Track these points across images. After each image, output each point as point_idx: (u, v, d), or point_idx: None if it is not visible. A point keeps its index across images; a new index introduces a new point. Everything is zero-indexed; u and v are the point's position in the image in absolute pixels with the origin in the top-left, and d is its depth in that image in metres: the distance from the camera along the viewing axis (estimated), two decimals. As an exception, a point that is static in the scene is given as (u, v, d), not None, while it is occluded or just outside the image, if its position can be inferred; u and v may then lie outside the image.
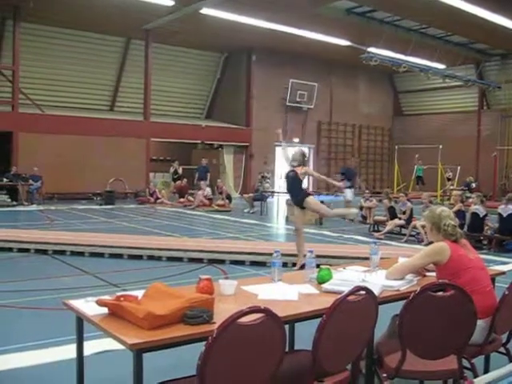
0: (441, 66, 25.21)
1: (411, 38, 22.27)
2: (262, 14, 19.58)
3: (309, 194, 8.60)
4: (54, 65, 23.33)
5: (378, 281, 3.53)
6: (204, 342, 2.35)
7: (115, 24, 21.97)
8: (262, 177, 20.19)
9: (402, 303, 3.07)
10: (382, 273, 3.79)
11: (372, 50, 22.23)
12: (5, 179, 18.97)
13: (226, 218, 16.33)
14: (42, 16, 21.00)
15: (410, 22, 21.74)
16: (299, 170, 8.24)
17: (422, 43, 22.70)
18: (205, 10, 19.29)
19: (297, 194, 8.42)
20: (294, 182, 8.32)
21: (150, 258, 9.05)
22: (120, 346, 2.50)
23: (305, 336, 3.36)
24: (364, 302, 2.85)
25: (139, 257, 9.07)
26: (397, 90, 33.30)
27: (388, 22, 21.53)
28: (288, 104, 27.99)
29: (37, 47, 22.58)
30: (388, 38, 21.14)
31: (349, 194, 16.59)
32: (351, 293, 2.76)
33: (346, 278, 3.52)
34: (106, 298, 2.87)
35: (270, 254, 8.18)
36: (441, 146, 24.05)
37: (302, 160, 8.33)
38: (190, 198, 20.69)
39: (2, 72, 21.79)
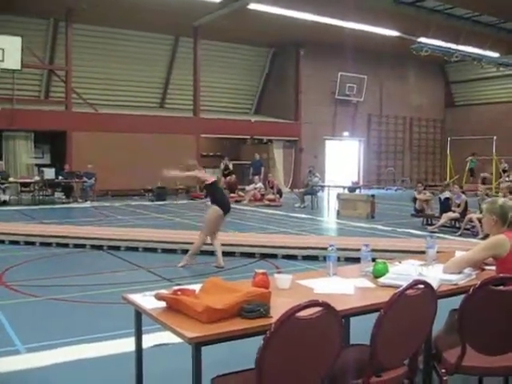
0: (494, 55, 24.52)
1: (463, 26, 21.76)
2: (310, 7, 19.45)
3: (218, 205, 8.10)
4: (106, 64, 23.78)
5: (435, 275, 3.46)
6: (260, 336, 2.36)
7: (164, 22, 22.21)
8: (310, 171, 20.13)
9: (459, 298, 3.01)
10: (438, 267, 3.71)
11: (422, 39, 21.81)
12: (60, 177, 19.45)
13: (277, 212, 16.34)
14: (93, 17, 21.44)
15: (461, 10, 21.23)
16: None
17: (474, 31, 22.14)
18: (252, 5, 19.31)
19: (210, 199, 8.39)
20: (206, 191, 8.38)
21: (203, 252, 9.12)
22: (176, 340, 2.53)
23: (358, 330, 3.33)
24: (423, 296, 2.80)
25: (192, 251, 9.15)
26: (448, 80, 32.59)
27: (438, 10, 21.09)
28: (337, 97, 27.79)
29: (88, 47, 23.04)
30: (438, 28, 20.73)
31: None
32: (410, 286, 2.72)
33: (402, 272, 3.46)
34: (164, 292, 2.91)
35: (323, 249, 8.26)
36: (495, 137, 23.43)
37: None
38: (241, 193, 20.78)
39: (56, 73, 22.35)
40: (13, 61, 19.33)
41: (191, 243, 9.33)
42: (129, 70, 24.41)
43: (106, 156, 20.71)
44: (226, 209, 8.11)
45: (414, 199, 13.99)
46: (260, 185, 19.92)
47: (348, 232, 12.21)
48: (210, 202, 8.33)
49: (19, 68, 19.78)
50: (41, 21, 22.03)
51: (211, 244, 8.36)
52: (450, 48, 22.55)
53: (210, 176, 8.32)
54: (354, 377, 2.77)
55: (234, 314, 2.60)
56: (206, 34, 23.83)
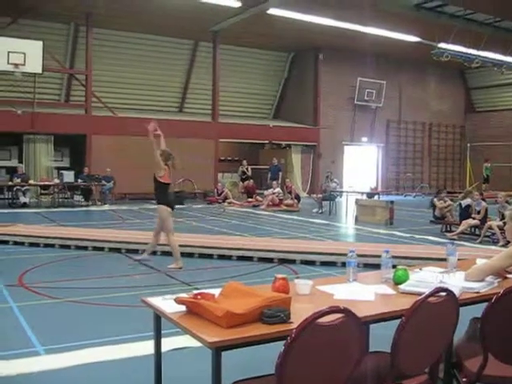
0: (515, 61, 24.31)
1: (484, 31, 21.56)
2: (329, 12, 19.44)
3: (167, 205, 8.27)
4: (125, 68, 23.94)
5: (456, 282, 3.42)
6: (279, 342, 2.34)
7: (183, 27, 22.33)
8: (327, 176, 20.11)
9: (479, 306, 2.98)
10: (460, 274, 3.66)
11: (442, 45, 21.67)
12: (79, 180, 19.61)
13: (295, 217, 16.31)
14: (113, 22, 21.64)
15: (482, 16, 21.06)
16: (156, 172, 8.27)
17: (495, 37, 21.93)
18: (272, 11, 19.34)
19: (156, 196, 8.44)
20: (154, 185, 8.35)
21: (221, 257, 9.15)
22: (193, 344, 2.52)
23: (376, 337, 3.30)
24: (445, 304, 2.77)
25: (210, 256, 9.18)
26: (468, 86, 32.34)
27: (459, 16, 20.94)
28: (356, 102, 27.71)
29: (108, 52, 23.24)
30: (459, 33, 20.56)
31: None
32: (432, 294, 2.69)
33: (423, 279, 3.43)
34: (184, 296, 2.90)
35: (341, 254, 8.22)
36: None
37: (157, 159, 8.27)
38: (259, 197, 20.79)
39: (76, 77, 22.56)
40: (34, 65, 19.53)
41: (209, 247, 9.39)
42: (148, 74, 24.55)
43: (124, 159, 20.81)
44: (172, 207, 8.41)
45: (433, 206, 13.89)
46: (278, 190, 19.92)
47: (366, 238, 12.14)
48: (156, 203, 8.38)
49: (40, 72, 19.99)
50: (62, 25, 22.25)
51: (152, 241, 8.58)
52: (470, 54, 22.38)
53: (167, 175, 8.28)
54: (374, 384, 2.75)
55: (254, 318, 2.59)
56: (226, 39, 23.92)
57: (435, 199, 14.05)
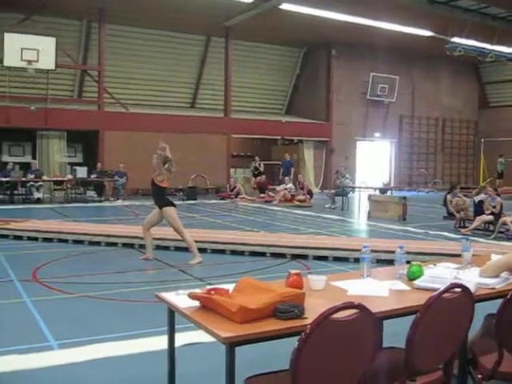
0: (530, 55, 24.09)
1: (497, 25, 21.40)
2: (342, 7, 19.35)
3: (171, 205, 8.35)
4: (137, 64, 23.97)
5: (471, 278, 3.39)
6: (293, 337, 2.33)
7: (196, 23, 22.33)
8: (337, 171, 20.07)
9: (493, 302, 2.95)
10: (475, 270, 3.64)
11: (456, 39, 21.51)
12: (92, 176, 19.69)
13: (307, 213, 16.28)
14: (125, 17, 21.67)
15: (496, 9, 20.89)
16: (154, 175, 8.31)
17: (509, 31, 21.75)
18: (284, 5, 19.28)
19: (156, 200, 8.48)
20: (153, 189, 8.42)
21: (233, 252, 9.15)
22: (206, 339, 2.52)
23: (389, 333, 3.28)
24: (460, 300, 2.75)
25: (222, 251, 9.19)
26: (482, 80, 32.06)
27: (473, 9, 20.78)
28: (369, 98, 27.58)
29: (121, 48, 23.27)
30: (473, 27, 20.42)
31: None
32: (447, 290, 2.67)
33: (438, 275, 3.41)
34: (197, 291, 2.91)
35: (354, 250, 8.20)
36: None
37: (158, 165, 8.24)
38: (271, 193, 20.78)
39: (89, 73, 22.64)
40: (47, 61, 19.63)
41: (222, 242, 9.41)
42: (160, 70, 24.58)
43: (137, 155, 20.81)
44: (174, 204, 8.48)
45: (448, 201, 13.73)
46: (290, 185, 19.89)
47: (379, 234, 12.10)
48: (160, 206, 8.33)
49: (53, 68, 20.08)
50: (74, 22, 22.32)
51: (143, 237, 8.68)
52: (484, 48, 22.20)
53: (166, 180, 8.38)
54: (387, 380, 2.73)
55: (267, 314, 2.59)
56: (238, 34, 23.89)
57: (449, 195, 13.94)
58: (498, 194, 12.58)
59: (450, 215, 13.57)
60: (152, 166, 8.43)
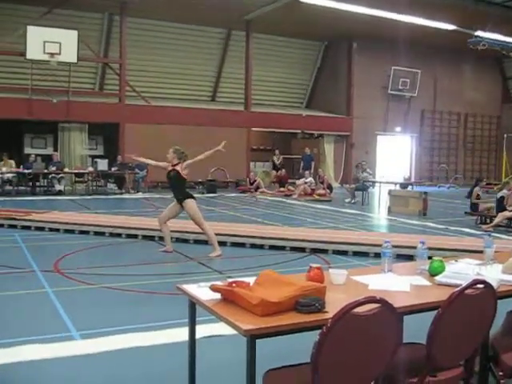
0: (555, 49, 23.73)
1: (522, 19, 21.13)
2: (363, 0, 19.21)
3: (191, 197, 8.40)
4: (158, 57, 24.07)
5: (493, 275, 3.36)
6: (313, 331, 2.33)
7: (217, 16, 22.34)
8: (357, 166, 20.00)
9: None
10: (497, 266, 3.60)
11: (479, 33, 21.25)
12: (113, 168, 19.83)
13: (327, 207, 16.24)
14: (146, 11, 21.74)
15: (521, 3, 20.65)
16: (179, 168, 8.31)
17: (534, 25, 21.48)
18: (305, -1, 19.21)
19: (178, 193, 8.42)
20: (176, 181, 8.39)
21: (253, 246, 9.17)
22: (228, 332, 2.53)
23: (408, 329, 3.27)
24: (482, 296, 2.73)
25: (242, 244, 9.21)
26: (506, 75, 31.65)
27: (497, 3, 20.51)
28: (390, 92, 27.40)
29: (142, 41, 23.37)
30: (497, 21, 20.14)
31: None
32: (469, 286, 2.65)
33: (460, 271, 3.38)
34: (219, 283, 2.92)
35: (374, 245, 8.16)
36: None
37: (180, 156, 8.34)
38: (291, 187, 20.76)
39: (110, 65, 22.77)
40: (69, 54, 19.80)
41: (241, 236, 9.41)
42: (181, 63, 24.66)
43: (157, 148, 20.72)
44: (195, 198, 8.53)
45: (473, 195, 13.48)
46: (310, 179, 19.86)
47: (399, 229, 12.03)
48: (182, 199, 8.34)
49: (75, 61, 20.25)
50: (96, 15, 22.47)
51: (160, 229, 8.70)
52: (508, 42, 21.90)
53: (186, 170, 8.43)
54: (408, 375, 2.72)
55: (288, 307, 2.59)
56: (258, 28, 23.85)
57: (476, 188, 13.72)
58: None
59: (474, 206, 13.33)
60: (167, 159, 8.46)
